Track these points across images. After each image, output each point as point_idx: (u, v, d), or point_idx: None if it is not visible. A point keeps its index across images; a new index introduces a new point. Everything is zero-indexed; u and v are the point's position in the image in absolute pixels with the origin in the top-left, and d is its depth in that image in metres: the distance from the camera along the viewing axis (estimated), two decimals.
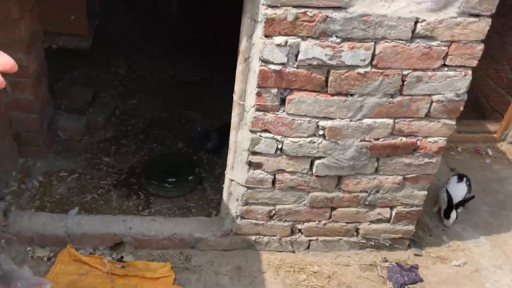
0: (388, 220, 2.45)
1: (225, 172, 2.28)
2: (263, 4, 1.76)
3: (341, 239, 2.50)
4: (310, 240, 2.49)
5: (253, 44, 1.88)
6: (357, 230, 2.48)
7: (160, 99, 3.81)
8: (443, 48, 1.89)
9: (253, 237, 2.44)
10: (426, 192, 2.36)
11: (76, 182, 2.79)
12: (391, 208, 2.40)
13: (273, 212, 2.35)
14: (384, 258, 2.54)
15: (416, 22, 1.83)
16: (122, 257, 2.35)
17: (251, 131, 2.06)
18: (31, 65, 2.59)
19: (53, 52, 2.96)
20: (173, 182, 2.79)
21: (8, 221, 2.27)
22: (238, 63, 1.96)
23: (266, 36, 1.81)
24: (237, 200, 2.31)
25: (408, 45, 1.88)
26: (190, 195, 2.83)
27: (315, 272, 2.42)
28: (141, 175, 2.87)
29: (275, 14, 1.76)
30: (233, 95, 2.05)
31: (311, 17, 1.77)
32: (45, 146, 2.90)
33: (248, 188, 2.24)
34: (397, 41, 1.86)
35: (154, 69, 4.19)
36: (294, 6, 1.75)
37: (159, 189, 2.76)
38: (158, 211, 2.67)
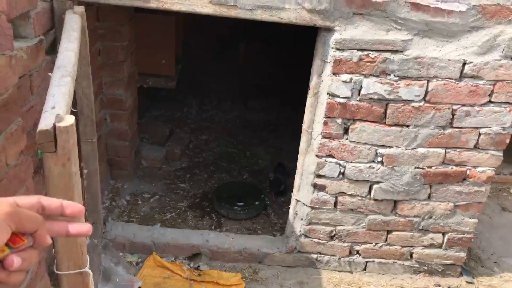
0: (440, 246, 2.64)
1: (292, 193, 2.59)
2: (332, 48, 2.13)
3: (396, 262, 2.71)
4: (367, 262, 2.71)
5: (322, 81, 2.25)
6: (411, 254, 2.68)
7: (227, 136, 4.23)
8: (489, 86, 2.18)
9: (315, 256, 2.70)
10: (476, 220, 2.55)
11: (157, 203, 3.19)
12: (443, 234, 2.60)
13: (334, 232, 2.61)
14: (437, 283, 2.71)
15: (464, 64, 2.13)
16: (198, 266, 2.67)
17: (317, 156, 2.38)
18: (128, 100, 3.08)
19: (143, 90, 3.48)
20: (241, 205, 3.12)
21: (106, 229, 2.67)
22: (308, 97, 2.32)
23: (334, 74, 2.18)
24: (302, 219, 2.59)
25: (457, 83, 2.18)
26: (256, 219, 3.15)
27: None
28: (213, 199, 3.23)
29: (342, 55, 2.13)
30: (303, 124, 2.40)
31: (373, 58, 2.13)
32: (132, 171, 3.35)
33: (312, 208, 2.53)
34: (447, 79, 2.17)
35: (222, 110, 4.67)
36: (358, 49, 2.12)
37: (229, 211, 3.09)
38: (228, 230, 3.00)
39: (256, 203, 3.17)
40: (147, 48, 3.18)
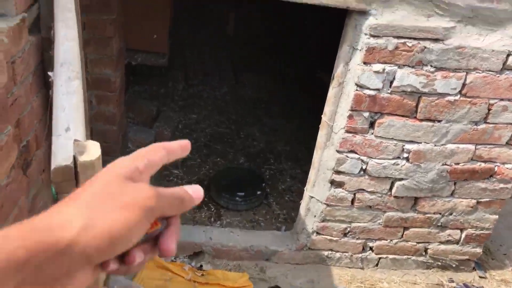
0: (457, 242, 2.52)
1: (305, 188, 2.39)
2: (365, 34, 1.88)
3: (410, 258, 2.58)
4: (380, 258, 2.57)
5: (349, 69, 2.00)
6: (426, 250, 2.55)
7: (217, 114, 3.95)
8: None
9: (326, 253, 2.53)
10: (497, 216, 2.44)
11: None
12: (461, 230, 2.48)
13: (348, 229, 2.44)
14: (450, 278, 2.61)
15: (508, 55, 1.93)
16: (201, 265, 2.46)
17: (337, 151, 2.17)
18: (117, 80, 2.74)
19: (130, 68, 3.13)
20: (242, 196, 2.89)
21: None
22: (331, 87, 2.07)
23: (365, 63, 1.93)
24: (315, 216, 2.40)
25: (498, 76, 1.98)
26: (258, 209, 2.94)
27: None
28: (210, 187, 2.98)
29: (377, 43, 1.88)
30: (322, 116, 2.17)
31: (410, 47, 1.89)
32: (119, 156, 3.04)
33: (328, 205, 2.34)
34: (488, 72, 1.97)
35: (209, 86, 4.35)
36: (394, 37, 1.87)
37: (229, 202, 2.87)
38: (229, 223, 2.78)
39: (258, 192, 2.96)
40: (137, 21, 2.82)
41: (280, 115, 4.03)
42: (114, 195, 0.43)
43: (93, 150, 0.88)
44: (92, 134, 2.86)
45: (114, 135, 2.88)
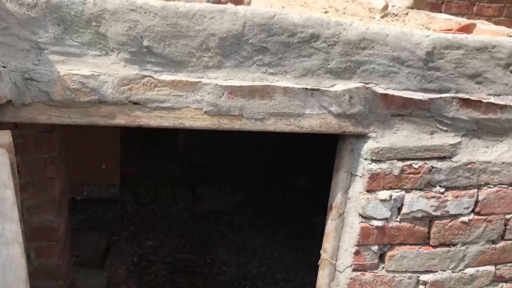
0: None
1: None
2: (365, 159, 1.62)
3: None
4: None
5: (349, 198, 1.72)
6: None
7: (177, 236, 3.50)
8: None
9: None
10: None
11: None
12: None
13: None
14: None
15: None
16: None
17: None
18: (61, 226, 2.27)
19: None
20: None
21: None
22: (330, 219, 1.76)
23: (369, 191, 1.66)
24: None
25: (511, 189, 1.78)
26: None
27: None
28: None
29: (380, 168, 1.63)
30: (322, 253, 1.83)
31: (417, 169, 1.65)
32: None
33: None
34: (500, 185, 1.76)
35: (163, 202, 3.92)
36: (399, 159, 1.63)
37: None
38: None
39: None
40: (81, 152, 2.43)
41: (246, 228, 3.66)
42: None
43: None
44: None
45: None
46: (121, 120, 1.41)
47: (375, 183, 1.65)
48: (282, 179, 4.04)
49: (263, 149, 4.41)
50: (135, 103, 1.40)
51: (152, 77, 1.38)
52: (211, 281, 3.05)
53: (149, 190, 4.02)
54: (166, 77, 1.39)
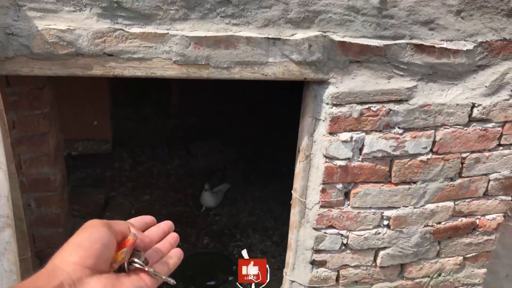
0: None
1: (284, 273, 2.16)
2: (327, 104, 1.76)
3: None
4: None
5: (314, 141, 1.86)
6: None
7: (172, 191, 3.69)
8: (498, 129, 1.94)
9: None
10: (485, 270, 2.32)
11: None
12: None
13: None
14: None
15: (473, 107, 1.87)
16: None
17: (314, 228, 1.98)
18: (57, 178, 2.45)
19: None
20: (213, 285, 2.62)
21: None
22: (298, 161, 1.92)
23: (331, 133, 1.80)
24: None
25: (466, 129, 1.91)
26: None
27: None
28: (176, 280, 2.68)
29: (341, 112, 1.76)
30: (292, 192, 1.99)
31: (375, 111, 1.79)
32: None
33: None
34: (455, 126, 1.89)
35: (159, 160, 4.10)
36: (358, 103, 1.76)
37: None
38: None
39: (230, 278, 2.69)
40: (74, 110, 2.58)
41: (238, 182, 3.83)
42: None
43: None
44: (34, 240, 2.52)
45: (59, 238, 2.54)
46: (97, 71, 1.55)
47: (336, 125, 1.79)
48: (274, 135, 4.18)
49: (255, 107, 4.54)
50: (109, 55, 1.53)
51: (123, 30, 1.51)
52: (203, 229, 3.26)
53: (145, 148, 4.19)
54: (136, 29, 1.52)
